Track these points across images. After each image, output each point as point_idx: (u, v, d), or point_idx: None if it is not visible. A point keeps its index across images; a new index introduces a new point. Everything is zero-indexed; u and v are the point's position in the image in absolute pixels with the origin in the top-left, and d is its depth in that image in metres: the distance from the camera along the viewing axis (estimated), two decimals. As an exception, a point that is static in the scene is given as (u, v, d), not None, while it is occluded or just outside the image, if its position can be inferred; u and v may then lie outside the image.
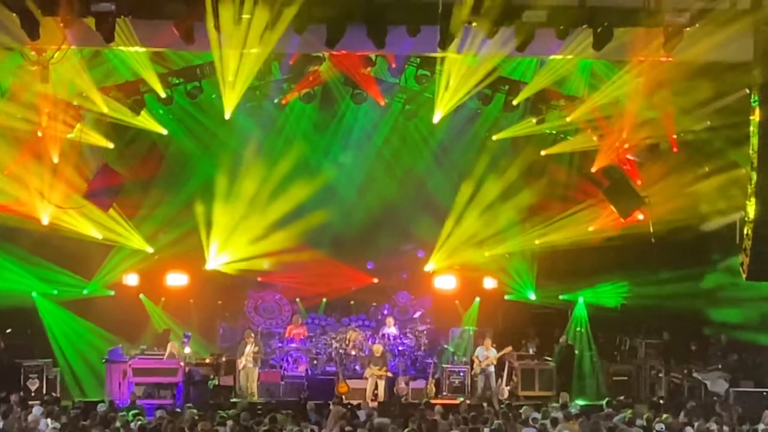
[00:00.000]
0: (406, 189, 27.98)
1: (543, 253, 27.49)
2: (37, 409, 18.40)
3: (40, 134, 22.30)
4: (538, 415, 18.88)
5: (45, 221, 24.01)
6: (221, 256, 27.19)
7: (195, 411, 19.09)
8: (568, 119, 23.12)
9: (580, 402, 23.10)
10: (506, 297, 28.34)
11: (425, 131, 27.18)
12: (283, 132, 26.97)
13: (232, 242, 27.12)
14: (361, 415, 19.24)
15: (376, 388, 25.07)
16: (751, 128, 19.16)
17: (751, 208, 19.22)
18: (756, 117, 19.01)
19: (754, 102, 19.08)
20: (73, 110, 22.07)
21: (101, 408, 19.15)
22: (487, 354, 25.58)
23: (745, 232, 19.60)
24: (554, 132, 25.35)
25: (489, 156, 27.03)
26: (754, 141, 19.06)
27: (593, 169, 23.92)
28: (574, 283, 27.74)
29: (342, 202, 27.77)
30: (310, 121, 27.05)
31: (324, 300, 28.67)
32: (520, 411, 19.47)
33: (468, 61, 22.28)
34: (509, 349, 25.85)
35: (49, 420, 17.70)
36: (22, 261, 25.50)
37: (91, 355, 25.92)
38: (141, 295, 27.50)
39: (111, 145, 23.97)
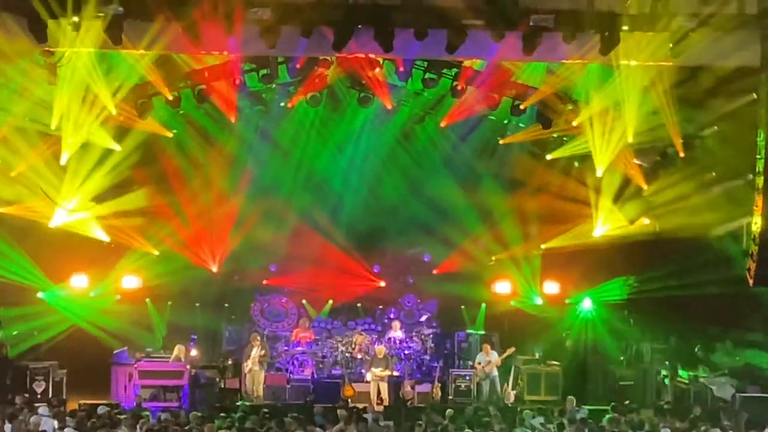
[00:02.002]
0: (412, 193, 27.94)
1: (548, 258, 27.47)
2: (42, 410, 18.43)
3: (49, 136, 22.36)
4: (543, 420, 18.88)
5: (53, 223, 24.12)
6: (227, 258, 27.27)
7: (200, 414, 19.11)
8: (574, 123, 23.11)
9: (586, 407, 23.03)
10: (512, 302, 28.31)
11: (432, 135, 27.17)
12: (290, 135, 26.97)
13: (239, 245, 27.19)
14: (368, 419, 19.24)
15: (380, 391, 25.07)
16: (758, 133, 19.12)
17: (758, 214, 19.18)
18: (763, 121, 18.97)
19: (761, 107, 19.05)
20: (82, 112, 22.08)
21: (102, 410, 19.13)
22: (488, 359, 25.61)
23: (751, 237, 19.56)
24: (560, 136, 25.26)
25: (495, 160, 27.03)
26: (761, 146, 19.03)
27: (598, 174, 23.89)
28: (580, 287, 27.71)
29: (348, 206, 27.77)
30: (316, 124, 27.01)
31: (330, 301, 28.63)
32: (526, 415, 19.46)
33: (477, 66, 22.42)
34: (512, 350, 25.88)
35: (55, 422, 17.73)
36: (30, 262, 25.54)
37: (97, 358, 25.93)
38: (147, 300, 27.51)
39: (118, 147, 23.96)
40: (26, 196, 23.68)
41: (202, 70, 22.54)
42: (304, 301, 28.50)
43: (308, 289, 28.42)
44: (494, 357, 25.67)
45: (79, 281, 26.48)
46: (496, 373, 25.62)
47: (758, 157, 19.17)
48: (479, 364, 25.71)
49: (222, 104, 23.77)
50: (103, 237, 25.59)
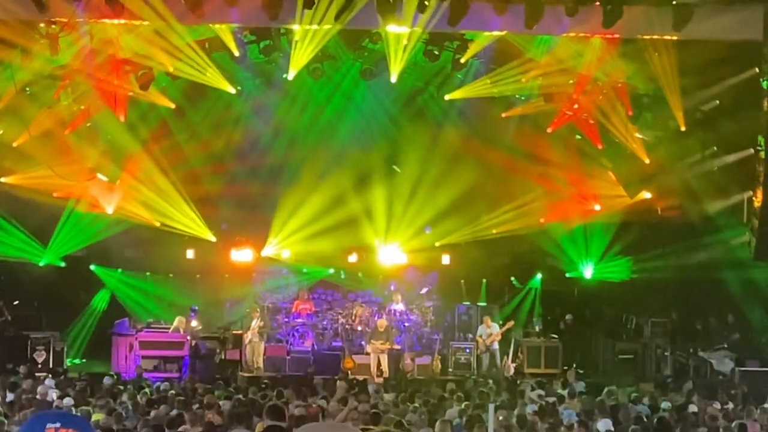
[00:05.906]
0: (414, 165, 27.81)
1: (549, 232, 27.45)
2: (49, 382, 18.48)
3: (51, 107, 22.34)
4: (543, 392, 18.94)
5: (55, 195, 24.15)
6: (227, 229, 27.35)
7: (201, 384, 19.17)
8: (575, 96, 23.04)
9: (586, 380, 23.13)
10: (512, 279, 28.34)
11: (434, 107, 27.08)
12: (291, 107, 26.86)
13: (238, 216, 27.26)
14: (368, 390, 19.28)
15: (380, 363, 25.11)
16: (761, 107, 19.11)
17: (759, 188, 19.20)
18: (765, 95, 18.96)
19: (764, 80, 19.03)
20: (86, 84, 22.04)
21: (107, 381, 19.21)
22: (489, 331, 25.65)
23: (752, 211, 19.59)
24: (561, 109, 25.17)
25: (502, 133, 26.83)
26: (764, 120, 19.03)
27: (599, 147, 23.85)
28: (580, 261, 27.71)
29: (349, 176, 27.65)
30: (318, 96, 26.87)
31: (330, 270, 28.60)
32: (525, 388, 19.51)
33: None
34: (511, 323, 25.94)
35: (55, 392, 17.79)
36: (30, 232, 25.57)
37: (98, 328, 26.00)
38: (147, 274, 27.56)
39: (122, 118, 23.91)
40: (29, 168, 23.70)
41: (203, 41, 22.42)
42: (305, 270, 28.45)
43: (307, 259, 28.36)
44: (495, 329, 25.70)
45: (79, 252, 26.47)
46: (496, 346, 25.67)
47: (760, 130, 19.18)
48: (480, 336, 25.76)
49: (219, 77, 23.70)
50: (108, 209, 25.64)
